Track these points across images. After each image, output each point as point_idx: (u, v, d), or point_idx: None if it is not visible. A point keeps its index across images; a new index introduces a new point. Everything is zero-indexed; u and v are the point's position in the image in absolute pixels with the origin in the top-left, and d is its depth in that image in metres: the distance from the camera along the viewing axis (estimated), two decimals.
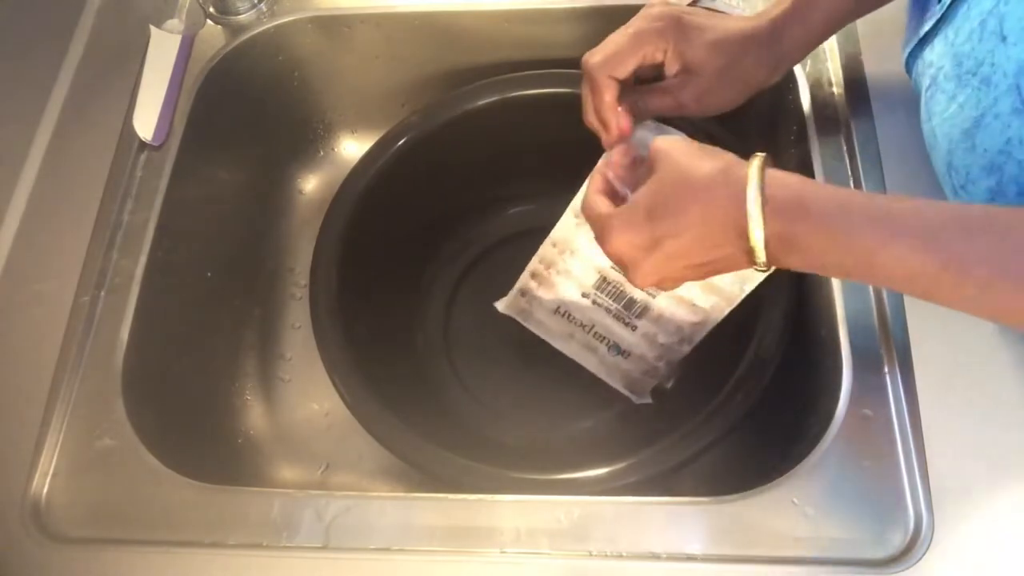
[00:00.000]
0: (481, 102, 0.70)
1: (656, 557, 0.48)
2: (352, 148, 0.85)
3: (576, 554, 0.48)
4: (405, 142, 0.69)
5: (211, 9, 0.73)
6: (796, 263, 0.41)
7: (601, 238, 0.46)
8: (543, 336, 0.63)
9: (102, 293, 0.60)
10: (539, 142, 0.71)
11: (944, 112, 0.47)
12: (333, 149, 0.86)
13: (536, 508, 0.50)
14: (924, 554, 0.46)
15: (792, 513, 0.48)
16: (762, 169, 0.41)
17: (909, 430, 0.50)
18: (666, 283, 0.47)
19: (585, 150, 0.54)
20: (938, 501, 0.47)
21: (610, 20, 0.70)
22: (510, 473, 0.53)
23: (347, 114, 0.83)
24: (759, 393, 0.54)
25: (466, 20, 0.73)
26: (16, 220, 0.62)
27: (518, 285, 0.62)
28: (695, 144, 0.45)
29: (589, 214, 0.48)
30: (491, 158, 0.69)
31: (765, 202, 0.40)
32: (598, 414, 0.71)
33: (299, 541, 0.50)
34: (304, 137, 0.84)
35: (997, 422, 0.49)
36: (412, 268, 0.71)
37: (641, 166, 0.47)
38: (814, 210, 0.39)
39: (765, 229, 0.40)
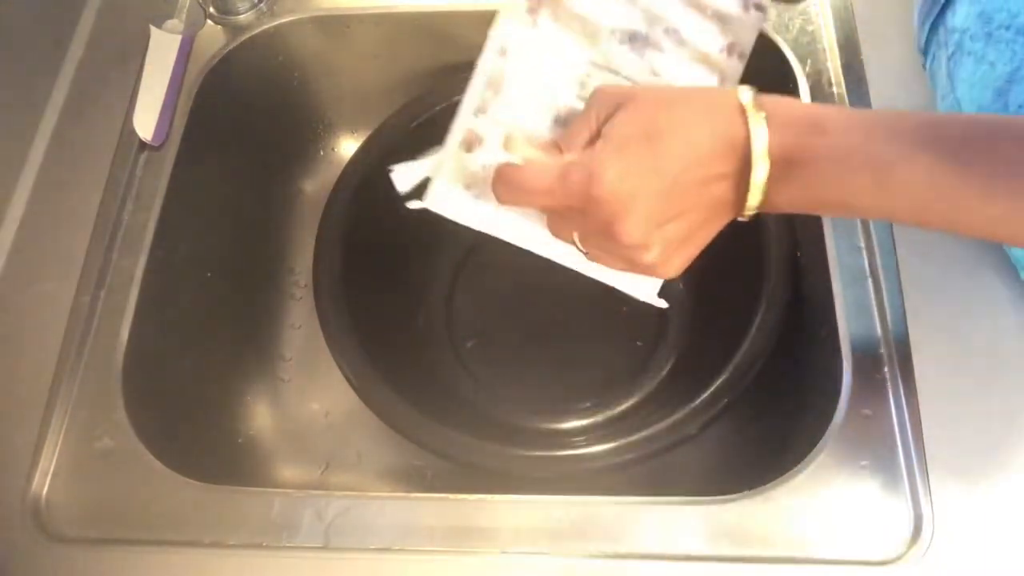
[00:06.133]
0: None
1: (656, 557, 0.48)
2: (352, 148, 0.84)
3: (576, 554, 0.48)
4: (400, 129, 0.69)
5: (211, 9, 0.73)
6: (796, 191, 0.37)
7: (581, 185, 0.36)
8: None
9: (102, 293, 0.60)
10: None
11: (972, 76, 0.45)
12: (333, 149, 0.86)
13: (536, 508, 0.50)
14: (924, 554, 0.46)
15: (792, 513, 0.48)
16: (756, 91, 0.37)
17: (909, 430, 0.50)
18: (682, 251, 0.40)
19: None
20: (938, 501, 0.47)
21: None
22: (518, 451, 0.54)
23: (347, 114, 0.83)
24: (753, 378, 0.54)
25: (466, 19, 0.72)
26: (16, 220, 0.62)
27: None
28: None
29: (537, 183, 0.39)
30: None
31: (768, 115, 0.36)
32: (601, 393, 0.72)
33: (299, 541, 0.50)
34: (304, 137, 0.84)
35: (997, 421, 0.49)
36: (413, 253, 0.71)
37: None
38: (831, 127, 0.36)
39: (770, 139, 0.36)
